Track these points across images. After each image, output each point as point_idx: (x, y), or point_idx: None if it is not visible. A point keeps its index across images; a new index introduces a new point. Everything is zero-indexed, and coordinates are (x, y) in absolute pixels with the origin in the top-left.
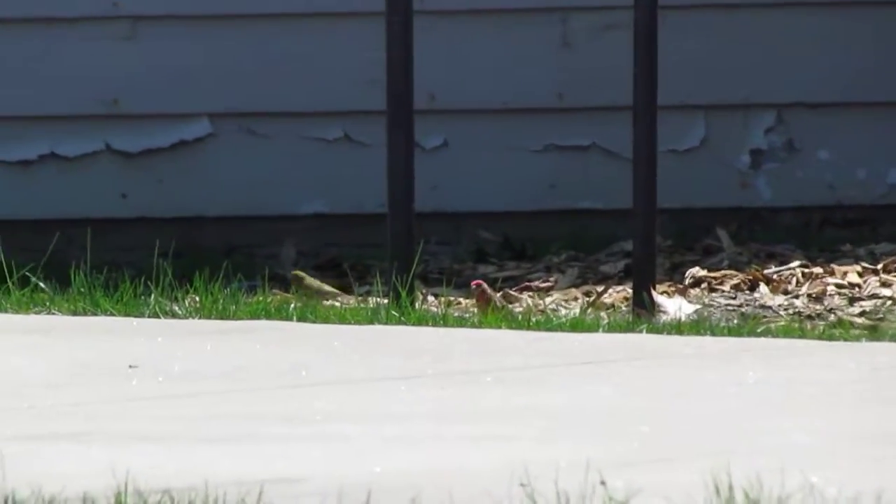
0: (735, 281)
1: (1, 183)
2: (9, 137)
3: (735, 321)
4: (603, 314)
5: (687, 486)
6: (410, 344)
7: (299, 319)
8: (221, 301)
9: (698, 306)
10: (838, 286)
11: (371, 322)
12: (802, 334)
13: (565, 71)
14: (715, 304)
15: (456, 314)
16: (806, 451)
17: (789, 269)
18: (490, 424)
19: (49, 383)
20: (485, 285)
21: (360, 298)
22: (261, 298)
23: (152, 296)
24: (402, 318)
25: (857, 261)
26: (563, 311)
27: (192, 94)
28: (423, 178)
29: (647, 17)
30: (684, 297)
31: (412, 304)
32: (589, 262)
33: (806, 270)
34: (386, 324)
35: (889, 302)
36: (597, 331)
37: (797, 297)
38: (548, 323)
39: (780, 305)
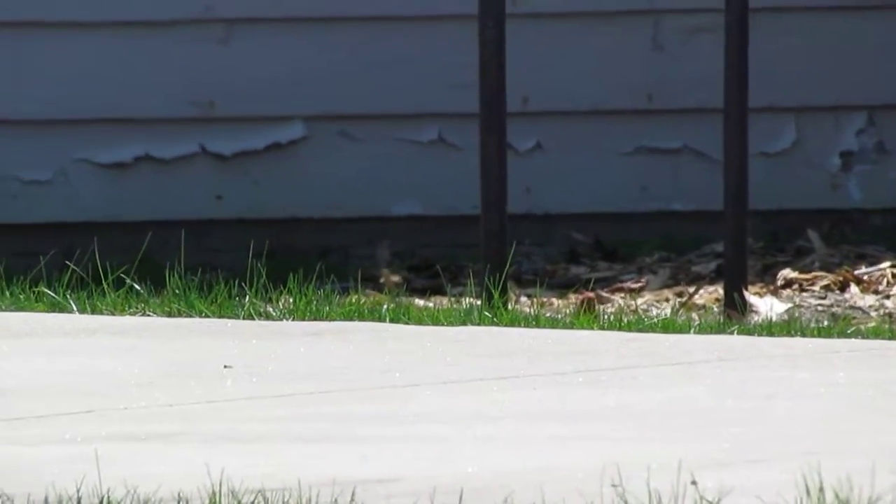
0: (826, 282)
1: (96, 185)
2: (104, 140)
3: (825, 322)
4: (694, 315)
5: (777, 486)
6: (503, 345)
7: (392, 321)
8: (315, 302)
9: (789, 306)
10: None
11: (464, 323)
12: (892, 335)
13: (656, 73)
14: (805, 304)
15: (548, 315)
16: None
17: (879, 269)
18: (581, 424)
19: (143, 384)
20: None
21: (453, 299)
22: (354, 300)
23: (246, 297)
24: (495, 319)
25: None
26: (655, 312)
27: (286, 96)
28: (515, 179)
29: (738, 19)
30: (775, 297)
31: (505, 304)
32: (680, 263)
33: None
34: (479, 324)
35: None
36: (688, 332)
37: (888, 297)
38: (639, 324)
39: (870, 306)
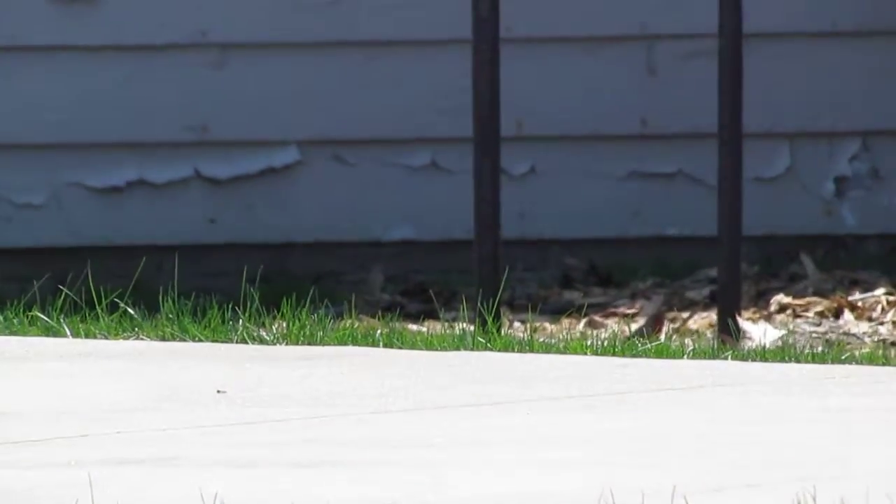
0: (820, 308)
1: (90, 209)
2: (98, 164)
3: (819, 348)
4: (688, 340)
5: None
6: (496, 370)
7: (386, 346)
8: (308, 327)
9: (783, 332)
10: None
11: (457, 348)
12: (886, 361)
13: (650, 98)
14: (799, 330)
15: (542, 340)
16: (891, 477)
17: (874, 296)
18: (576, 450)
19: (137, 408)
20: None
21: (446, 324)
22: (348, 324)
23: (240, 322)
24: (489, 345)
25: None
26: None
27: (281, 121)
28: (509, 204)
29: (732, 44)
30: (769, 323)
31: (498, 330)
32: (674, 288)
33: (891, 297)
34: (472, 350)
35: None
36: (682, 357)
37: (882, 323)
38: (633, 349)
39: (864, 332)
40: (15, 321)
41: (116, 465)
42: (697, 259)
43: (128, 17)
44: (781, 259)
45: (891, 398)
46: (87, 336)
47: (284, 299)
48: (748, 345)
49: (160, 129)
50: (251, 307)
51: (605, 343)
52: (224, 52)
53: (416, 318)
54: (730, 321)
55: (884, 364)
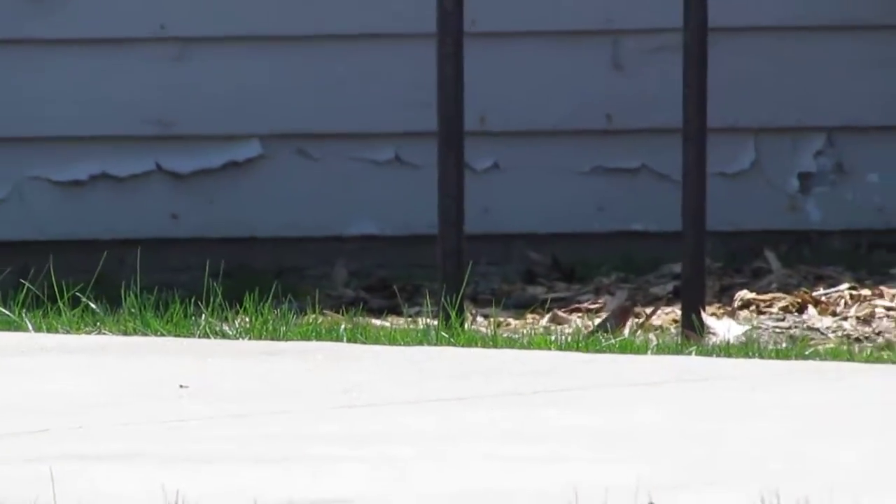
0: (784, 303)
1: (52, 203)
2: (60, 158)
3: (783, 343)
4: (652, 336)
5: None
6: (460, 365)
7: (349, 340)
8: (272, 322)
9: (747, 328)
10: (887, 308)
11: (421, 343)
12: (851, 357)
13: (615, 93)
14: (763, 326)
15: (505, 335)
16: (855, 473)
17: (838, 291)
18: (540, 445)
19: (99, 403)
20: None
21: (409, 319)
22: (311, 319)
23: (203, 316)
24: (452, 339)
25: None
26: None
27: (243, 115)
28: (473, 199)
29: (696, 39)
30: (733, 319)
31: (462, 324)
32: (638, 283)
33: (854, 293)
34: (436, 345)
35: None
36: (646, 353)
37: (846, 319)
38: (596, 344)
39: (828, 328)
40: None
41: (78, 460)
42: (661, 254)
43: (89, 10)
44: (746, 254)
45: (855, 394)
46: (48, 330)
47: (247, 294)
48: (712, 340)
49: (122, 123)
50: (214, 302)
51: (569, 338)
52: (185, 45)
53: (379, 313)
54: (693, 317)
55: (848, 360)
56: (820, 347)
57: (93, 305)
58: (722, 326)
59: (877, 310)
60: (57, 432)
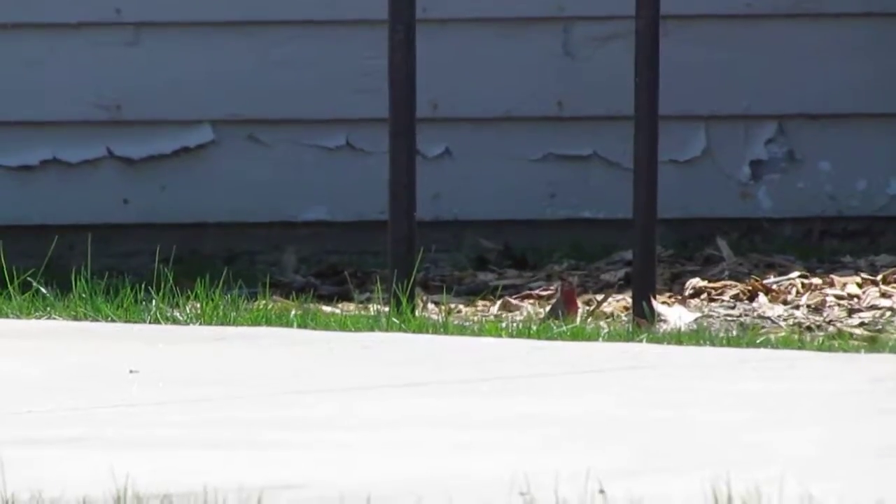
0: (735, 291)
1: (2, 188)
2: (10, 143)
3: (734, 331)
4: (603, 323)
5: (686, 496)
6: (410, 351)
7: (300, 326)
8: (222, 307)
9: (698, 316)
10: (838, 297)
11: (371, 329)
12: (802, 345)
13: (566, 80)
14: (714, 314)
15: (456, 322)
16: (805, 461)
17: (789, 279)
18: (490, 432)
19: (49, 388)
20: (574, 287)
21: (360, 305)
22: (261, 305)
23: (153, 302)
24: (403, 326)
25: (856, 272)
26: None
27: (195, 100)
28: (424, 186)
29: (648, 26)
30: (684, 306)
31: (412, 311)
32: (589, 270)
33: (806, 281)
34: (386, 331)
35: (888, 313)
36: (597, 340)
37: (797, 307)
38: (547, 331)
39: (779, 316)
40: None
41: (28, 444)
42: (613, 241)
43: None
44: (697, 242)
45: (805, 382)
46: None
47: (198, 279)
48: (663, 328)
49: (74, 108)
50: (164, 287)
51: (520, 325)
52: (138, 31)
53: (330, 299)
54: (644, 304)
55: (799, 348)
56: (771, 336)
57: (43, 290)
58: (673, 314)
59: (828, 298)
60: (6, 417)
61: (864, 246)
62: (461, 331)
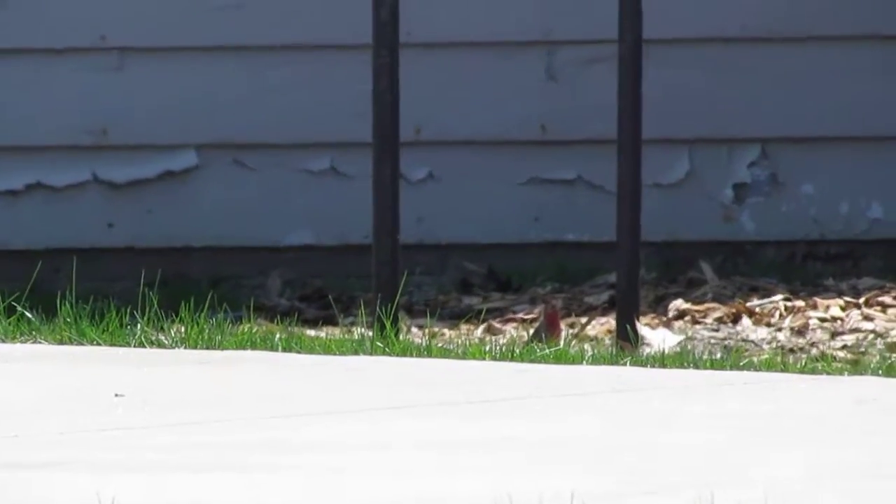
0: (718, 314)
1: None
2: None
3: (718, 354)
4: (587, 346)
5: None
6: (394, 374)
7: (284, 350)
8: (207, 331)
9: (682, 338)
10: (821, 320)
11: (356, 352)
12: (785, 368)
13: (550, 104)
14: (698, 336)
15: (440, 345)
16: (789, 483)
17: (772, 302)
18: (474, 455)
19: (34, 411)
20: (558, 310)
21: (344, 329)
22: (246, 329)
23: (138, 325)
24: (387, 349)
25: (839, 295)
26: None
27: (180, 125)
28: (408, 209)
29: (631, 50)
30: (668, 329)
31: (396, 334)
32: (573, 293)
33: (789, 304)
34: (370, 354)
35: (871, 336)
36: (580, 363)
37: (780, 330)
38: (531, 354)
39: (762, 339)
40: None
41: (14, 468)
42: (597, 264)
43: (28, 20)
44: (681, 265)
45: (789, 404)
46: None
47: (183, 303)
48: (647, 351)
49: (59, 133)
50: (150, 311)
51: (504, 348)
52: (123, 55)
53: (314, 322)
54: (628, 327)
55: (782, 370)
56: (754, 358)
57: (28, 314)
58: (657, 337)
59: (811, 321)
60: None
61: (847, 269)
62: (445, 354)
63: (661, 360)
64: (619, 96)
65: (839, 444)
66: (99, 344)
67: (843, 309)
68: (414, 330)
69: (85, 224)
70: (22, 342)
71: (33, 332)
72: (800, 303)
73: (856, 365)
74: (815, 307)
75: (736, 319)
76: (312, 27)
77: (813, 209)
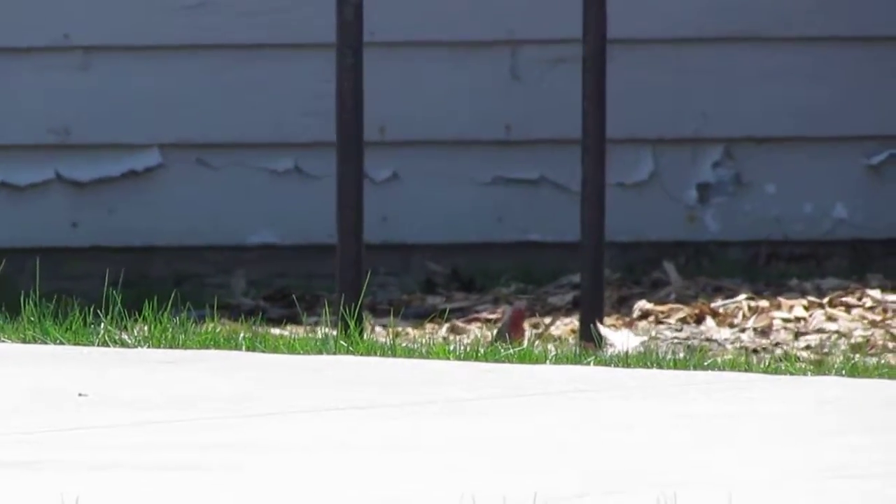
0: (682, 314)
1: None
2: None
3: (681, 354)
4: (551, 346)
5: None
6: (358, 374)
7: (248, 349)
8: (171, 330)
9: (645, 339)
10: (784, 320)
11: (320, 352)
12: (748, 368)
13: (514, 103)
14: (662, 336)
15: (404, 345)
16: (752, 483)
17: (736, 302)
18: (437, 455)
19: None
20: (523, 310)
21: (308, 328)
22: (210, 328)
23: (102, 325)
24: (351, 349)
25: (803, 295)
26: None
27: (143, 124)
28: (372, 209)
29: (596, 50)
30: (631, 329)
31: (360, 334)
32: (537, 294)
33: (752, 304)
34: (334, 354)
35: (835, 336)
36: (544, 363)
37: (743, 330)
38: (496, 354)
39: (726, 339)
40: None
41: None
42: (561, 265)
43: None
44: (644, 265)
45: (752, 405)
46: None
47: (146, 303)
48: (610, 351)
49: (22, 132)
50: (113, 310)
51: (468, 348)
52: (87, 54)
53: (278, 322)
54: (592, 328)
55: (745, 370)
56: (718, 358)
57: None
58: (620, 337)
59: (774, 321)
60: None
61: (811, 269)
62: (409, 353)
63: (625, 360)
64: (583, 96)
65: (803, 444)
66: (63, 343)
67: (806, 309)
68: (378, 329)
69: (49, 223)
70: None
71: None
72: (764, 303)
73: (819, 365)
74: (778, 307)
75: (699, 320)
76: (276, 26)
77: (777, 209)
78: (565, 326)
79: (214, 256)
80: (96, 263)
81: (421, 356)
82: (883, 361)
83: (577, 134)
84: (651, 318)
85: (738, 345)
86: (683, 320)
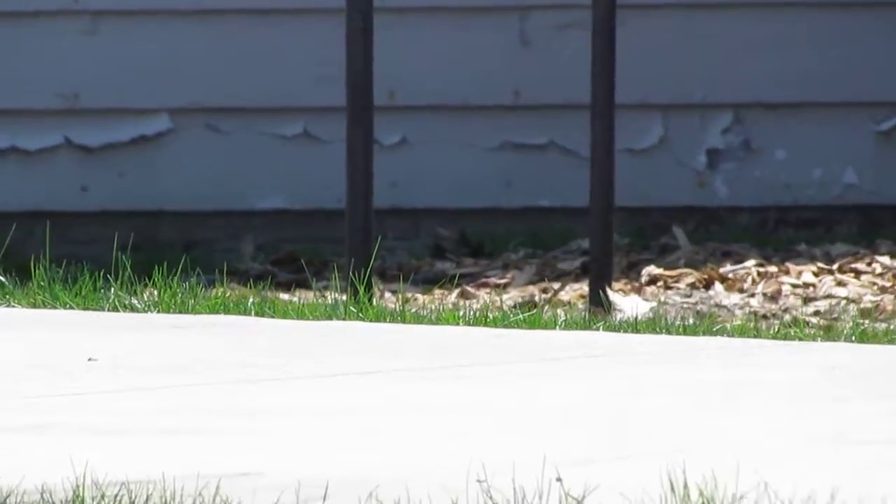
0: (691, 279)
1: None
2: None
3: (690, 320)
4: (560, 311)
5: (643, 484)
6: (367, 340)
7: (257, 314)
8: (180, 295)
9: (654, 304)
10: (793, 286)
11: (329, 318)
12: (757, 333)
13: (523, 69)
14: (671, 302)
15: (413, 310)
16: (760, 449)
17: (745, 268)
18: (447, 420)
19: (7, 376)
20: None
21: (317, 293)
22: (219, 293)
23: (111, 290)
24: (360, 314)
25: (812, 261)
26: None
27: (153, 89)
28: (381, 174)
29: (605, 16)
30: (640, 295)
31: (370, 300)
32: (546, 259)
33: (761, 270)
34: (343, 319)
35: (843, 302)
36: (553, 328)
37: (752, 296)
38: (504, 320)
39: (735, 304)
40: None
41: None
42: (570, 230)
43: None
44: (653, 230)
45: (761, 370)
46: None
47: (156, 267)
48: (619, 316)
49: (32, 97)
50: (123, 275)
51: (477, 314)
52: (96, 19)
53: (287, 287)
54: (601, 293)
55: (755, 336)
56: (727, 324)
57: (1, 278)
58: (629, 303)
59: (783, 287)
60: None
61: (820, 235)
62: (418, 319)
63: (635, 326)
64: (592, 62)
65: (812, 411)
66: (72, 308)
67: (816, 275)
68: (387, 295)
69: (58, 188)
70: None
71: (6, 296)
72: (773, 268)
73: (829, 331)
74: (787, 273)
75: (708, 285)
76: None
77: (786, 175)
78: (574, 292)
79: (223, 221)
80: (105, 228)
81: (430, 322)
82: (892, 327)
83: (586, 99)
84: (660, 284)
85: (746, 310)
86: (692, 286)
